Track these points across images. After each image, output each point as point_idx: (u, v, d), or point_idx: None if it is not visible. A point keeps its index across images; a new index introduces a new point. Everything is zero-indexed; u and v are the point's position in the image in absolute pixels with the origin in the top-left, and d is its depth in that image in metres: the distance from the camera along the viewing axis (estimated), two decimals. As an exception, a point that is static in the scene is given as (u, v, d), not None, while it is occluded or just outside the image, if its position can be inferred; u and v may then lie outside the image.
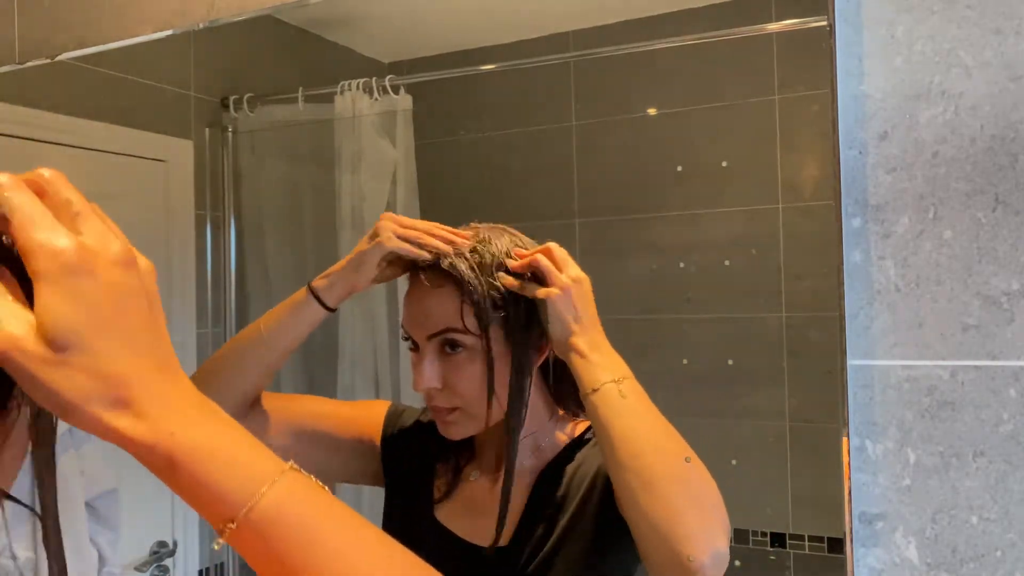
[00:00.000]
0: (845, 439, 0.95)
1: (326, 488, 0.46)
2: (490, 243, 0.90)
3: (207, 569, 1.58)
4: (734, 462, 1.24)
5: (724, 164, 1.26)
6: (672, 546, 0.75)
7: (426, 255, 0.89)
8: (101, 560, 1.52)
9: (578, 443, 0.95)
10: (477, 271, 0.88)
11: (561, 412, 0.98)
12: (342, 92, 1.49)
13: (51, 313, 0.39)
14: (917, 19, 0.93)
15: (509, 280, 0.88)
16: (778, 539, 1.19)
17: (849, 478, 0.95)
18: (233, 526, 0.42)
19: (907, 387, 0.93)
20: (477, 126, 1.46)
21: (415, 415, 1.03)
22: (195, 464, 0.42)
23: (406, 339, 0.92)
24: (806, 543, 1.17)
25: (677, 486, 0.78)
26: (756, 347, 1.22)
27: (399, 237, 0.90)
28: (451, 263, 0.88)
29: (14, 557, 1.47)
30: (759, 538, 1.20)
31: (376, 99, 1.47)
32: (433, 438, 0.97)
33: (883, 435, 0.94)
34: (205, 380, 0.94)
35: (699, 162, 1.28)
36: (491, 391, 0.89)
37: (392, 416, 1.02)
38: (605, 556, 0.88)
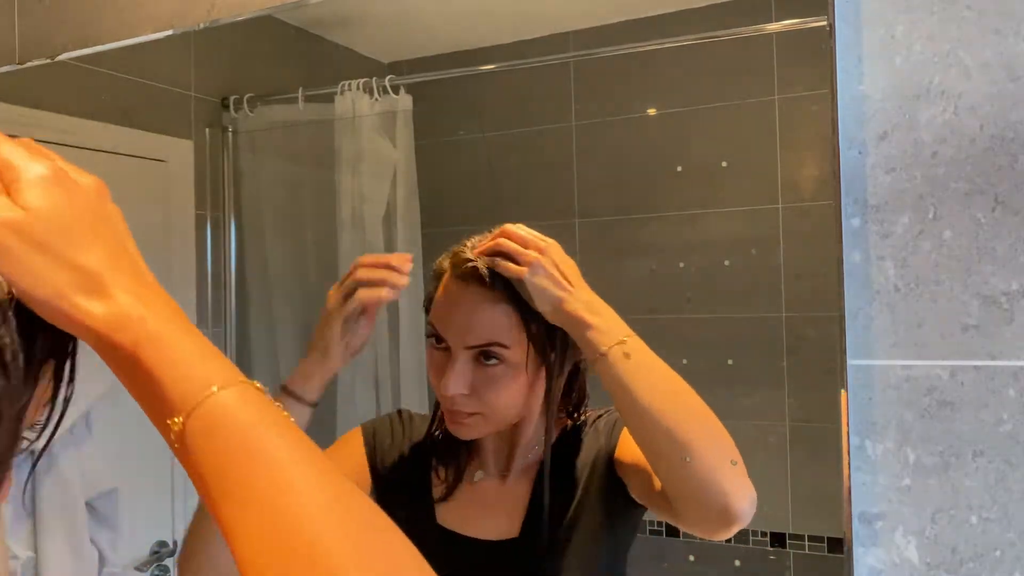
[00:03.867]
0: (845, 439, 0.95)
1: (285, 412, 0.45)
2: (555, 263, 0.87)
3: None
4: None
5: (724, 164, 1.26)
6: (718, 500, 0.76)
7: (384, 296, 0.86)
8: (101, 560, 1.53)
9: (574, 431, 0.96)
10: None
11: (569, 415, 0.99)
12: (342, 92, 1.49)
13: (35, 209, 0.42)
14: (917, 19, 0.93)
15: (512, 267, 0.84)
16: (778, 539, 1.19)
17: (849, 478, 0.95)
18: (179, 421, 0.42)
19: (907, 387, 0.93)
20: (477, 126, 1.46)
21: (389, 425, 1.00)
22: (158, 352, 0.43)
23: (433, 336, 0.89)
24: (806, 543, 1.17)
25: (709, 441, 0.78)
26: (756, 347, 1.22)
27: (345, 296, 0.86)
28: (506, 272, 0.84)
29: (15, 556, 1.47)
30: (759, 538, 1.20)
31: (376, 99, 1.47)
32: (426, 443, 0.97)
33: (883, 435, 0.94)
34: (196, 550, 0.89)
35: (699, 162, 1.28)
36: (551, 413, 0.89)
37: (370, 442, 0.99)
38: (614, 533, 0.90)
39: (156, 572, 1.55)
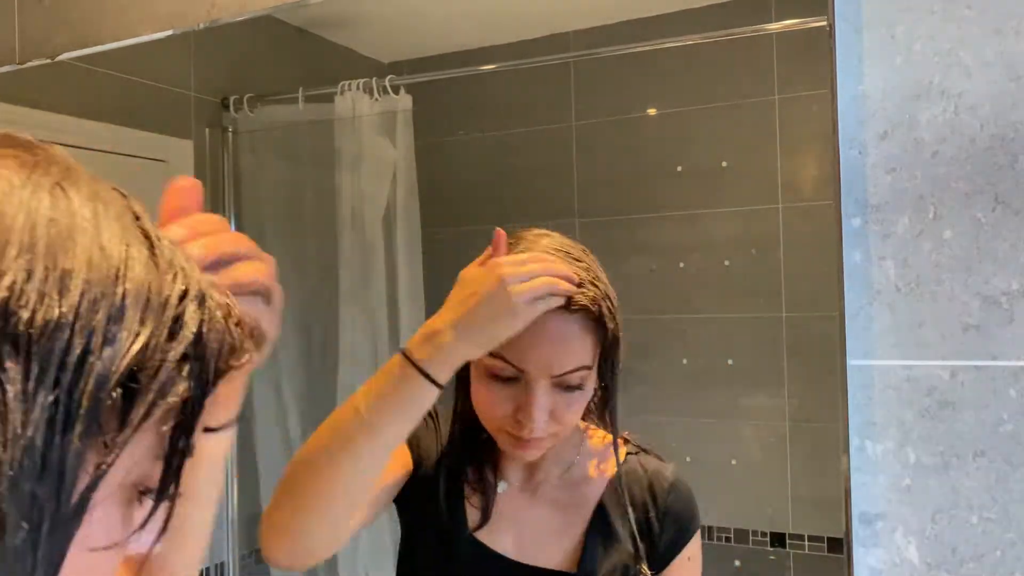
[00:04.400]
0: (845, 439, 0.95)
1: None
2: (598, 275, 0.83)
3: (207, 569, 1.58)
4: (734, 462, 1.24)
5: (724, 164, 1.26)
6: None
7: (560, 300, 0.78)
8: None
9: (630, 478, 0.92)
10: (607, 297, 0.81)
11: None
12: (342, 92, 1.49)
13: None
14: (917, 19, 0.93)
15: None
16: (778, 539, 1.19)
17: (849, 478, 0.95)
18: None
19: (907, 387, 0.93)
20: (477, 126, 1.46)
21: (428, 437, 0.94)
22: None
23: (498, 372, 0.81)
24: (806, 543, 1.17)
25: None
26: (756, 347, 1.23)
27: (528, 299, 0.76)
28: (596, 305, 0.79)
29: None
30: (759, 538, 1.20)
31: (376, 99, 1.47)
32: (463, 454, 0.91)
33: (883, 435, 0.94)
34: (299, 485, 0.81)
35: (699, 162, 1.28)
36: (615, 429, 0.87)
37: (415, 448, 0.93)
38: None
39: (156, 572, 1.55)
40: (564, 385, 0.81)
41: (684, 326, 1.27)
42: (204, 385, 0.35)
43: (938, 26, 0.92)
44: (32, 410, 0.30)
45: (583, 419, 0.92)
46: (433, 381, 0.77)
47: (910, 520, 0.93)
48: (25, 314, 0.30)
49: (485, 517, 0.88)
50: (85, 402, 0.31)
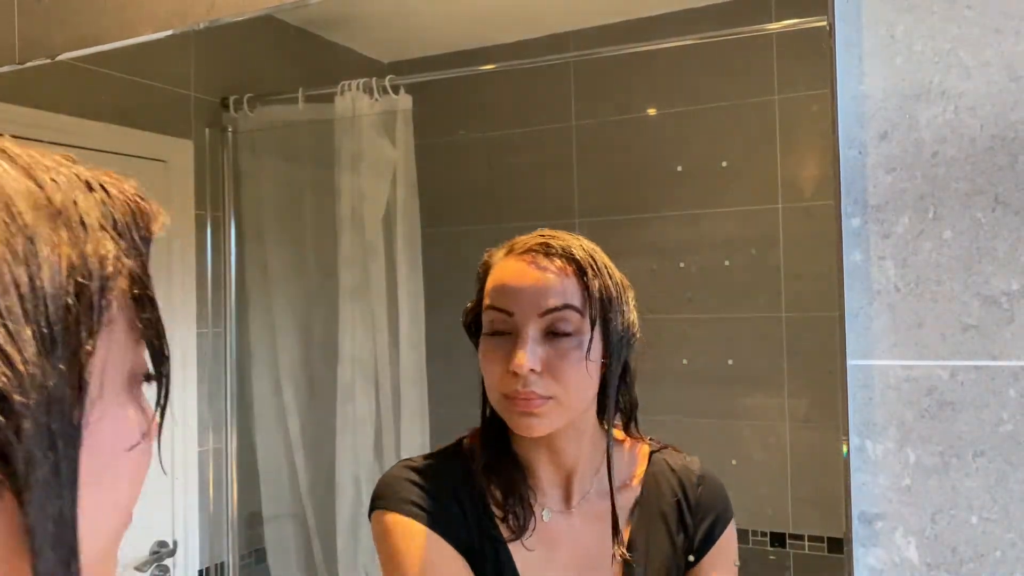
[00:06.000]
0: (845, 439, 0.95)
1: None
2: (594, 250, 0.86)
3: (207, 569, 1.58)
4: (734, 462, 1.24)
5: (724, 164, 1.26)
6: None
7: None
8: (101, 560, 1.52)
9: (656, 479, 0.91)
10: (592, 261, 0.84)
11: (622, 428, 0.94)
12: (342, 92, 1.49)
13: None
14: (917, 19, 0.93)
15: None
16: (778, 539, 1.19)
17: (849, 478, 0.95)
18: None
19: (907, 387, 0.93)
20: (477, 126, 1.46)
21: (408, 480, 0.86)
22: None
23: (486, 326, 0.84)
24: (806, 543, 1.17)
25: None
26: (756, 347, 1.23)
27: None
28: (570, 249, 0.83)
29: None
30: (759, 538, 1.21)
31: (376, 99, 1.47)
32: (463, 477, 0.87)
33: (883, 435, 0.94)
34: None
35: (699, 162, 1.28)
36: (611, 408, 0.86)
37: (430, 521, 0.84)
38: None
39: (156, 572, 1.55)
40: (554, 330, 0.81)
41: (684, 326, 1.27)
42: (139, 258, 0.40)
43: (938, 26, 0.92)
44: (24, 349, 0.33)
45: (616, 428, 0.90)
46: None
47: (910, 520, 0.93)
48: None
49: (518, 536, 0.85)
50: (56, 322, 0.34)
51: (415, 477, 0.86)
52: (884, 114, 0.94)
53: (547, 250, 0.83)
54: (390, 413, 1.49)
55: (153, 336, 0.41)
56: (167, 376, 0.42)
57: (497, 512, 0.86)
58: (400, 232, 1.49)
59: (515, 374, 0.80)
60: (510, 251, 0.86)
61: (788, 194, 1.20)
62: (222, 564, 1.58)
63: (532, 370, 0.80)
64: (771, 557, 1.19)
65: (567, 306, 0.81)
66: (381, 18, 1.52)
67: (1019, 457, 0.89)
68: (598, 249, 0.87)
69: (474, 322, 0.87)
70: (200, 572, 1.58)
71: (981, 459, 0.90)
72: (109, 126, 1.56)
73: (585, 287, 0.82)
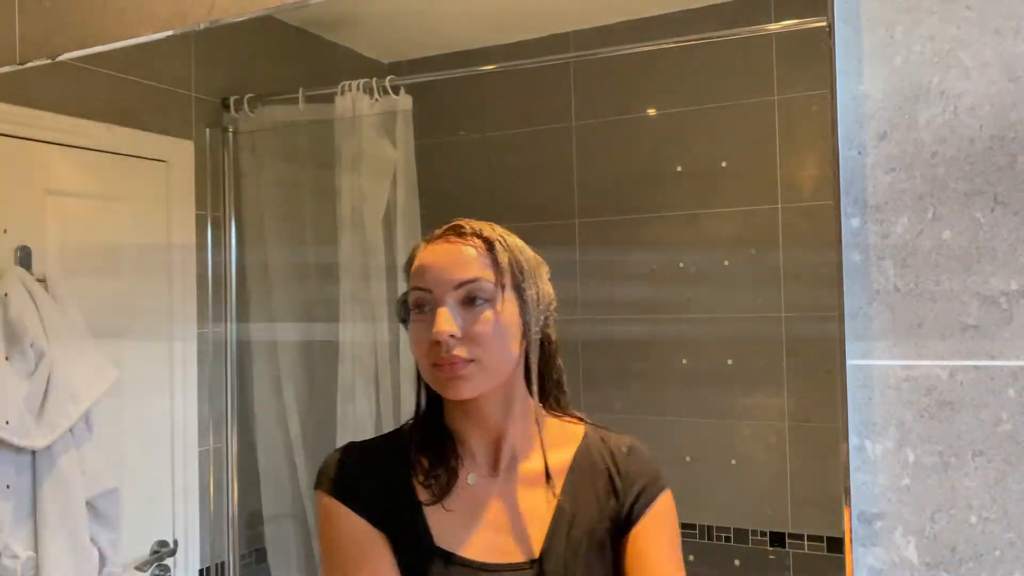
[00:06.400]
0: (844, 439, 0.95)
1: None
2: (507, 232, 0.93)
3: (208, 568, 1.58)
4: (734, 462, 1.24)
5: (724, 164, 1.26)
6: None
7: None
8: (102, 559, 1.53)
9: (586, 453, 0.94)
10: (502, 239, 0.91)
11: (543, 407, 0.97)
12: (342, 92, 1.49)
13: None
14: (916, 19, 0.93)
15: None
16: (778, 539, 1.19)
17: (849, 478, 0.95)
18: None
19: (906, 387, 0.93)
20: (477, 126, 1.46)
21: (339, 461, 0.94)
22: None
23: (412, 307, 0.90)
24: (805, 543, 1.18)
25: None
26: (756, 347, 1.23)
27: None
28: (479, 229, 0.91)
29: (15, 556, 1.47)
30: (759, 538, 1.21)
31: (376, 99, 1.47)
32: (397, 453, 0.94)
33: (882, 435, 0.94)
34: None
35: (698, 162, 1.28)
36: (531, 380, 0.91)
37: (342, 494, 0.92)
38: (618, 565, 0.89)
39: (156, 572, 1.55)
40: (470, 298, 0.88)
41: (684, 326, 1.27)
42: None
43: (938, 26, 0.92)
44: None
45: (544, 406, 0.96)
46: None
47: (909, 519, 0.93)
48: None
49: (436, 500, 0.90)
50: None
51: (347, 457, 0.95)
52: (883, 114, 0.94)
53: (459, 231, 0.91)
54: (390, 413, 1.49)
55: None
56: None
57: (421, 479, 0.92)
58: (400, 232, 1.49)
59: (438, 342, 0.86)
60: (429, 239, 0.93)
61: (788, 194, 1.20)
62: (222, 564, 1.58)
63: (452, 336, 0.86)
64: (771, 557, 1.19)
65: (479, 278, 0.88)
66: (381, 18, 1.52)
67: (1018, 457, 0.89)
68: (511, 233, 0.94)
69: (405, 310, 0.93)
70: (200, 572, 1.58)
71: (980, 459, 0.90)
72: (110, 126, 1.57)
73: (495, 260, 0.89)
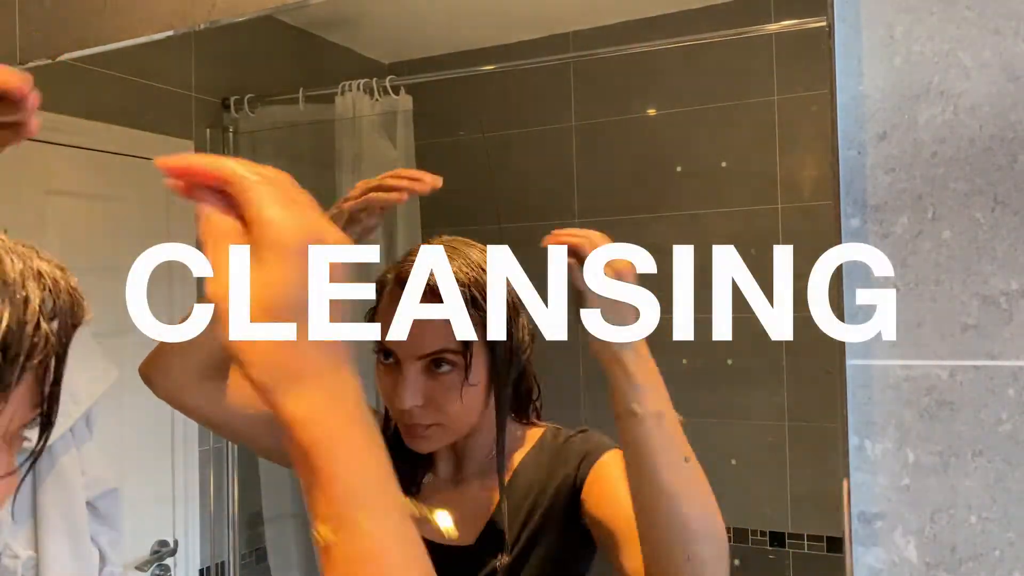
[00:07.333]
0: (844, 439, 0.95)
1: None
2: (465, 252, 0.88)
3: (208, 568, 1.58)
4: (734, 462, 1.24)
5: (723, 164, 1.26)
6: None
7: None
8: (102, 559, 1.53)
9: (540, 448, 0.95)
10: (467, 285, 0.85)
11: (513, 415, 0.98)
12: (343, 93, 1.49)
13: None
14: (916, 19, 0.93)
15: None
16: (777, 538, 1.19)
17: (848, 478, 0.95)
18: (322, 536, 0.44)
19: (906, 387, 0.93)
20: (477, 126, 1.46)
21: None
22: (323, 461, 0.43)
23: (380, 352, 0.89)
24: (805, 542, 1.18)
25: (714, 543, 0.75)
26: (756, 347, 1.23)
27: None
28: (447, 279, 0.82)
29: (15, 556, 1.47)
30: (758, 537, 1.21)
31: (377, 100, 1.48)
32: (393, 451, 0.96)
33: (882, 435, 0.94)
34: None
35: (698, 162, 1.28)
36: (502, 422, 0.90)
37: None
38: (565, 566, 0.90)
39: (156, 572, 1.55)
40: (435, 366, 0.85)
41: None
42: (61, 341, 0.48)
43: (937, 26, 0.92)
44: None
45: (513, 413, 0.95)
46: None
47: (909, 519, 0.93)
48: None
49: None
50: None
51: None
52: (883, 114, 0.94)
53: (431, 287, 0.81)
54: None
55: (49, 406, 0.50)
56: (46, 438, 0.51)
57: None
58: (400, 232, 1.49)
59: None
60: (396, 278, 0.89)
61: (787, 194, 1.20)
62: (223, 564, 1.58)
63: (415, 406, 0.85)
64: (770, 557, 1.19)
65: (444, 348, 0.85)
66: (381, 18, 1.52)
67: (1018, 457, 0.89)
68: (487, 263, 0.87)
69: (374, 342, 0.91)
70: (201, 571, 1.58)
71: (980, 459, 0.90)
72: (110, 126, 1.57)
73: (476, 323, 0.84)
